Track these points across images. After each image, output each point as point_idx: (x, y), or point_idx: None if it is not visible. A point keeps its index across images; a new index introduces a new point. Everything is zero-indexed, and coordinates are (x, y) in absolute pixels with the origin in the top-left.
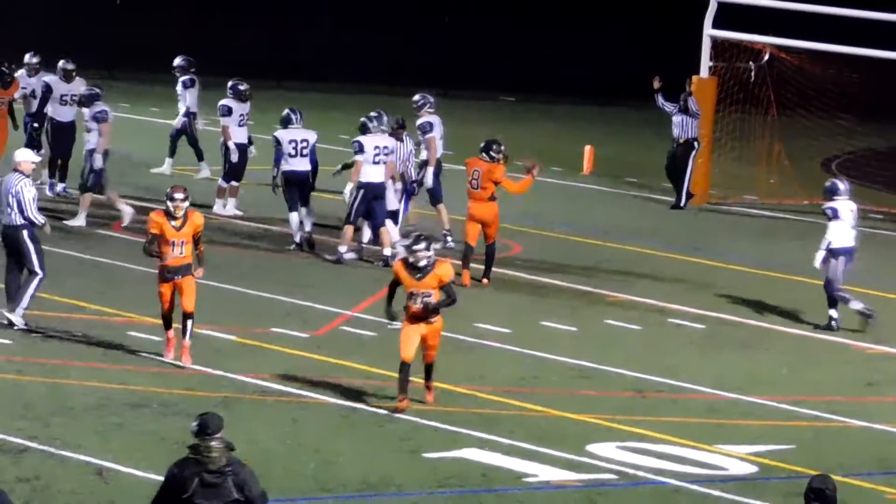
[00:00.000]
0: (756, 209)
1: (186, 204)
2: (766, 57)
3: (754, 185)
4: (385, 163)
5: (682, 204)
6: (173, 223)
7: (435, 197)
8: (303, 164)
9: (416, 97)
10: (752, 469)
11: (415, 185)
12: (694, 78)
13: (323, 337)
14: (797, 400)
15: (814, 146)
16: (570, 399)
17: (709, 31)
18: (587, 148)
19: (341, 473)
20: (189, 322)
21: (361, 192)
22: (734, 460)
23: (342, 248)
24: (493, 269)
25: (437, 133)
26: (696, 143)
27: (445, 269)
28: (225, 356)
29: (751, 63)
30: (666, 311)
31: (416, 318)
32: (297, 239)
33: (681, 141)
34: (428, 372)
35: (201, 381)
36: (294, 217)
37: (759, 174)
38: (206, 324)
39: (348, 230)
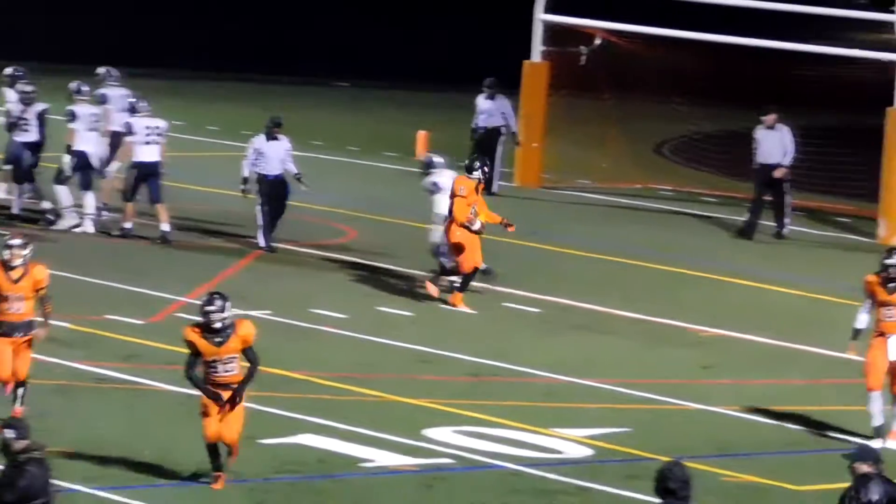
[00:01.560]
0: (590, 193)
1: (26, 252)
2: (599, 41)
3: (588, 169)
4: (158, 143)
5: (493, 189)
6: (10, 274)
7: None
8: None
9: (100, 69)
10: (589, 452)
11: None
12: (526, 63)
13: (159, 323)
14: (634, 383)
15: (647, 130)
16: (408, 384)
17: (540, 15)
18: (420, 133)
19: (178, 460)
20: (21, 390)
21: (135, 171)
22: (571, 444)
23: (126, 224)
24: (330, 254)
25: (114, 106)
26: (502, 130)
27: (248, 329)
28: (60, 344)
29: (583, 47)
30: (503, 295)
31: (220, 388)
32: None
33: (488, 128)
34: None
35: (37, 368)
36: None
37: (593, 158)
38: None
39: (129, 207)
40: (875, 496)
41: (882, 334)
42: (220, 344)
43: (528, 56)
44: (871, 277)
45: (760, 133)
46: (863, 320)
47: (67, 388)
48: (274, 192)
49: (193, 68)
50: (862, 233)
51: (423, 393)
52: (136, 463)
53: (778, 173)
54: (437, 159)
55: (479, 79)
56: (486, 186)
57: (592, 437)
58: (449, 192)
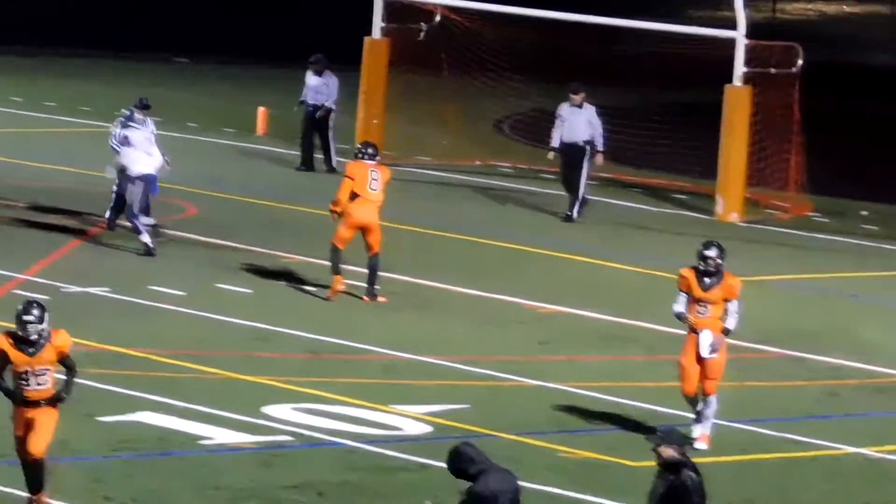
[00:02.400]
0: (429, 170)
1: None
2: (438, 18)
3: (427, 147)
4: None
5: (333, 164)
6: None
7: None
8: None
9: None
10: (428, 429)
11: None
12: (366, 39)
13: None
14: (472, 360)
15: (486, 107)
16: (246, 361)
17: None
18: (260, 109)
19: (12, 439)
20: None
21: None
22: (410, 420)
23: None
24: (169, 231)
25: None
26: (334, 107)
27: (64, 339)
28: None
29: (423, 24)
30: (342, 272)
31: (30, 404)
32: None
33: (316, 105)
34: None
35: None
36: None
37: (431, 135)
38: None
39: None
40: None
41: (694, 331)
42: (33, 354)
43: (368, 32)
44: (686, 271)
45: (566, 110)
46: (680, 315)
47: None
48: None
49: (26, 43)
50: (700, 210)
51: (262, 370)
52: None
53: (599, 160)
54: (138, 115)
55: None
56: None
57: (431, 414)
58: (139, 147)
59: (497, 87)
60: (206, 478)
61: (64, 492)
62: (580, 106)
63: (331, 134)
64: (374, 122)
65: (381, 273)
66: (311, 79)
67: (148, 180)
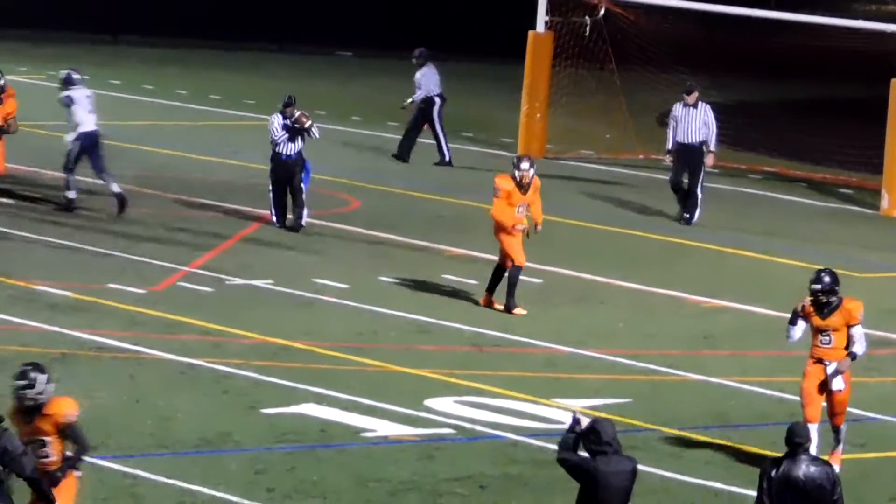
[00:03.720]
0: (592, 164)
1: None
2: (602, 12)
3: (591, 140)
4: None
5: (448, 159)
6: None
7: None
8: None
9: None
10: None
11: None
12: (530, 33)
13: (160, 293)
14: (634, 354)
15: (649, 100)
16: (408, 354)
17: None
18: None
19: (179, 430)
20: None
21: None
22: (571, 414)
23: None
24: (332, 224)
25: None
26: (437, 99)
27: (59, 409)
28: (61, 312)
29: (586, 17)
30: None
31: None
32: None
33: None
34: None
35: (38, 337)
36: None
37: (595, 129)
38: (41, 280)
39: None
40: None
41: (819, 361)
42: (29, 423)
43: (532, 26)
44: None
45: (680, 111)
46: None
47: (69, 356)
48: (286, 171)
49: (191, 36)
50: (865, 204)
51: (424, 363)
52: (137, 432)
53: (710, 161)
54: (75, 76)
55: (483, 51)
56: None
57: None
58: (83, 106)
59: (660, 80)
60: (368, 470)
61: (226, 483)
62: (695, 106)
63: (438, 125)
64: (538, 116)
65: (522, 279)
66: (419, 73)
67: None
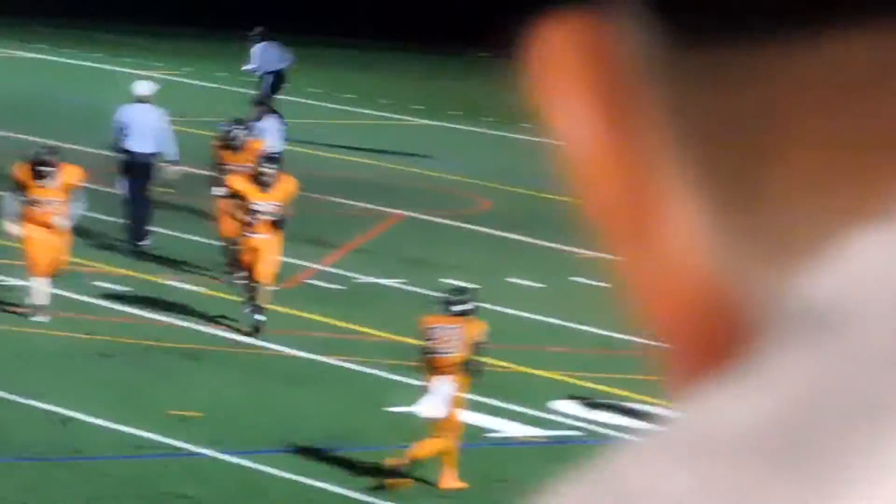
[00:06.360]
0: None
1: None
2: None
3: None
4: None
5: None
6: None
7: None
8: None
9: None
10: None
11: None
12: None
13: (289, 290)
14: None
15: None
16: (537, 355)
17: None
18: None
19: (305, 427)
20: None
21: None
22: None
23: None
24: (465, 225)
25: None
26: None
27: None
28: (192, 308)
29: None
30: None
31: None
32: None
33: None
34: None
35: (167, 332)
36: None
37: None
38: (173, 275)
39: None
40: None
41: None
42: None
43: None
44: None
45: None
46: None
47: (197, 351)
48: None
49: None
50: None
51: (553, 364)
52: (263, 428)
53: None
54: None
55: None
56: None
57: None
58: None
59: None
60: (493, 470)
61: (351, 481)
62: None
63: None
64: None
65: None
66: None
67: None
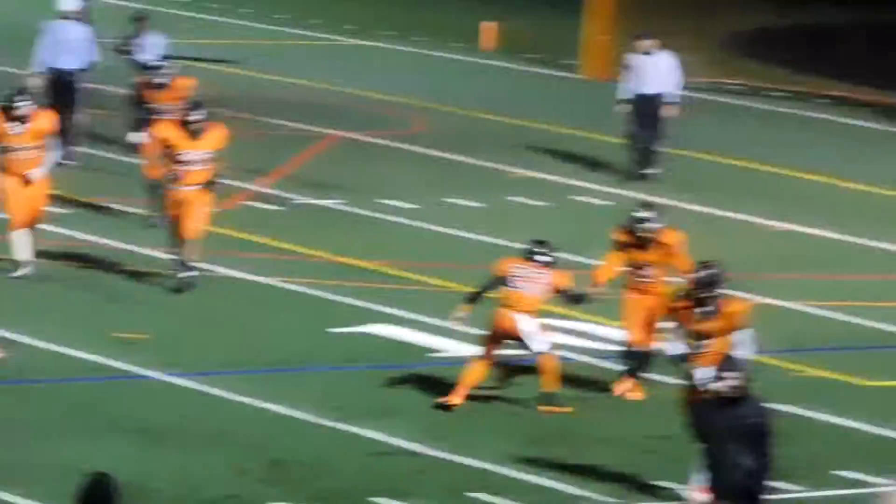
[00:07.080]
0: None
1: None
2: None
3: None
4: None
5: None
6: None
7: None
8: None
9: None
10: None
11: None
12: None
13: (228, 212)
14: None
15: (716, 24)
16: (475, 274)
17: None
18: (483, 24)
19: (250, 349)
20: None
21: None
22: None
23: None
24: (403, 146)
25: None
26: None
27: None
28: (132, 231)
29: None
30: (573, 188)
31: None
32: None
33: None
34: None
35: (110, 254)
36: None
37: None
38: (115, 197)
39: None
40: None
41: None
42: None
43: None
44: None
45: (637, 59)
46: None
47: (141, 274)
48: None
49: None
50: None
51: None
52: (208, 351)
53: (668, 111)
54: None
55: None
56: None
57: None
58: None
59: (725, 3)
60: (437, 390)
61: (296, 400)
62: (648, 53)
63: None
64: (602, 37)
65: None
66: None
67: None
